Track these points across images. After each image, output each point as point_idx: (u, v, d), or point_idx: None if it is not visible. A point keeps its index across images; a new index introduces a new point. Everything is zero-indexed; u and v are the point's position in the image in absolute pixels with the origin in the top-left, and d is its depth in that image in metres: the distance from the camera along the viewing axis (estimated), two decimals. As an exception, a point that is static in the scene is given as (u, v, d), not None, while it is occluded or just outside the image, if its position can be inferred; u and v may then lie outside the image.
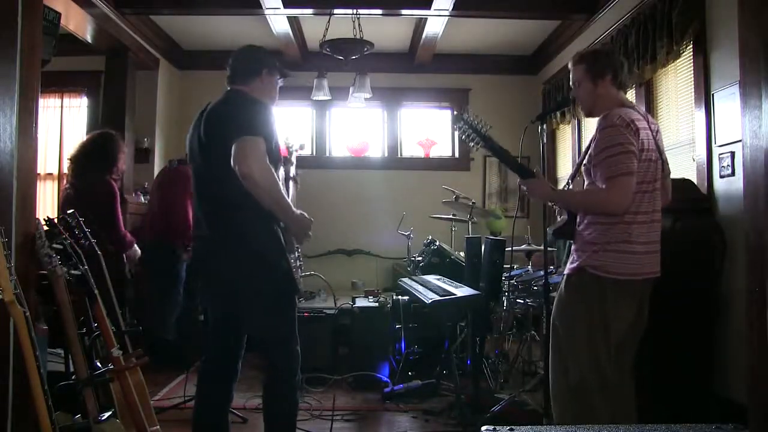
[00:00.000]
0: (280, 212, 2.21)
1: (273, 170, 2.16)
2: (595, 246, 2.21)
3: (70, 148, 5.68)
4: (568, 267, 2.32)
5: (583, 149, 2.51)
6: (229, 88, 2.36)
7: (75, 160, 3.44)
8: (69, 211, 2.64)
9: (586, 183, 2.36)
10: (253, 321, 2.30)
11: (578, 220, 2.32)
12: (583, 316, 2.22)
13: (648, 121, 2.31)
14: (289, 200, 2.62)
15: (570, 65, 2.45)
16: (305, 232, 2.32)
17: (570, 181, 2.60)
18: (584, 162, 2.35)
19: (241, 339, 2.40)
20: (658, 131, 2.36)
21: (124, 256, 3.46)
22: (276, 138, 2.25)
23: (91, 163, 3.37)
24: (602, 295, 2.19)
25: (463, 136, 2.42)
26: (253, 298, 2.24)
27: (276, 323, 2.28)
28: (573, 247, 2.35)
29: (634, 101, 4.13)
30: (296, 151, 2.87)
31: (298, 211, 2.29)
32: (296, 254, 2.41)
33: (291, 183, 2.75)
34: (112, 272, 3.10)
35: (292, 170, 2.81)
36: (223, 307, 2.35)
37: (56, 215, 3.32)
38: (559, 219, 2.52)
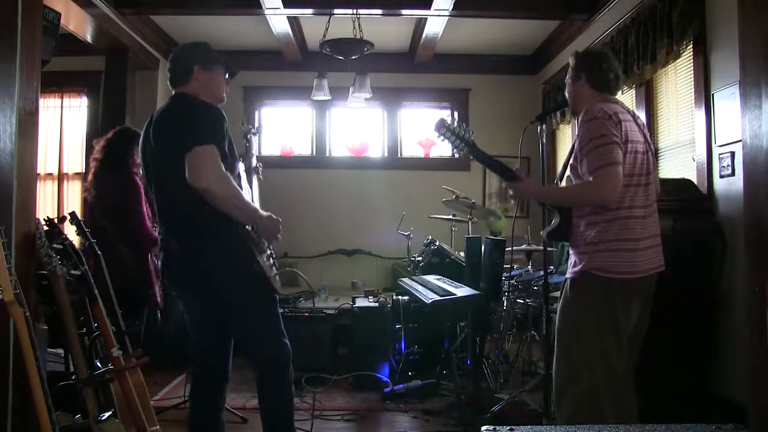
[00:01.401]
0: (245, 218, 2.18)
1: (230, 177, 2.12)
2: (597, 246, 2.19)
3: (70, 148, 5.74)
4: (571, 270, 2.29)
5: (570, 147, 2.50)
6: (173, 93, 2.31)
7: (94, 163, 3.39)
8: (70, 211, 2.64)
9: (573, 181, 2.35)
10: (236, 327, 2.29)
11: (575, 221, 2.30)
12: (593, 320, 2.19)
13: (633, 116, 2.31)
14: (255, 194, 2.59)
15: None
16: (274, 233, 2.28)
17: (559, 181, 2.59)
18: (570, 160, 2.33)
19: (228, 340, 2.39)
20: (644, 125, 2.36)
21: (151, 255, 3.38)
22: (228, 137, 2.20)
23: (107, 164, 3.33)
24: (610, 296, 2.17)
25: (447, 143, 2.37)
26: (231, 307, 2.23)
27: (259, 324, 2.27)
28: (572, 250, 2.33)
29: (634, 101, 4.14)
30: (252, 135, 2.71)
31: (265, 213, 2.25)
32: (268, 253, 2.37)
33: (254, 176, 2.66)
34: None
35: (253, 161, 2.70)
36: (204, 314, 2.33)
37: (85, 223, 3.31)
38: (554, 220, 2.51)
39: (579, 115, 2.36)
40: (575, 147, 2.26)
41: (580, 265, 2.23)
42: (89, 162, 3.43)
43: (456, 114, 6.40)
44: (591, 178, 2.15)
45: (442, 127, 2.35)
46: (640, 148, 2.24)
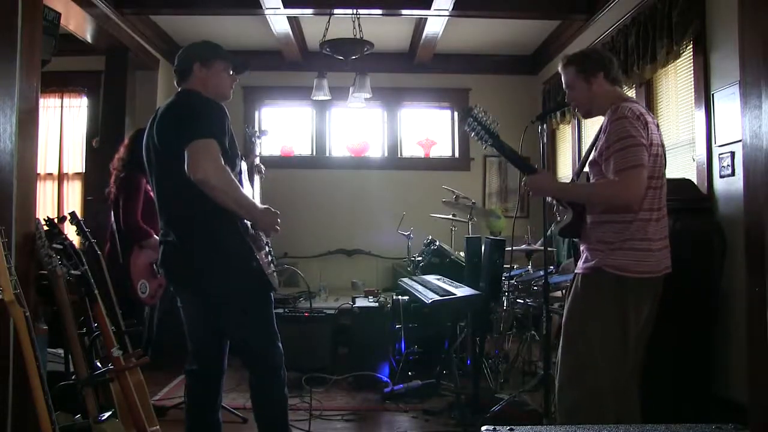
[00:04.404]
0: (242, 212, 2.18)
1: (229, 170, 2.12)
2: (612, 245, 2.18)
3: (70, 148, 5.74)
4: (582, 266, 2.27)
5: (589, 144, 2.47)
6: (179, 90, 2.32)
7: (115, 171, 3.38)
8: (70, 211, 2.64)
9: (591, 177, 2.32)
10: (231, 324, 2.28)
11: (588, 218, 2.29)
12: (602, 317, 2.19)
13: (652, 117, 2.31)
14: (255, 192, 2.59)
15: (559, 68, 2.42)
16: (272, 226, 2.28)
17: (575, 178, 2.57)
18: (592, 157, 2.31)
19: (223, 338, 2.38)
20: (658, 126, 2.35)
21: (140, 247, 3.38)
22: (230, 134, 2.21)
23: (127, 164, 3.33)
24: (622, 294, 2.16)
25: (472, 134, 2.39)
26: (227, 301, 2.22)
27: (253, 323, 2.27)
28: (584, 246, 2.31)
29: (634, 101, 4.14)
30: (257, 138, 2.74)
31: (263, 206, 2.25)
32: (267, 249, 2.37)
33: (255, 175, 2.67)
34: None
35: (256, 160, 2.72)
36: (199, 310, 2.33)
37: (115, 226, 3.30)
38: (558, 217, 2.50)
39: (594, 116, 2.35)
40: (601, 144, 2.23)
41: (593, 262, 2.22)
42: (110, 170, 3.41)
43: (456, 114, 6.40)
44: (616, 179, 2.14)
45: (469, 116, 2.36)
46: (659, 151, 2.23)
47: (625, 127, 2.14)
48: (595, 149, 2.28)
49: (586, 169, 2.37)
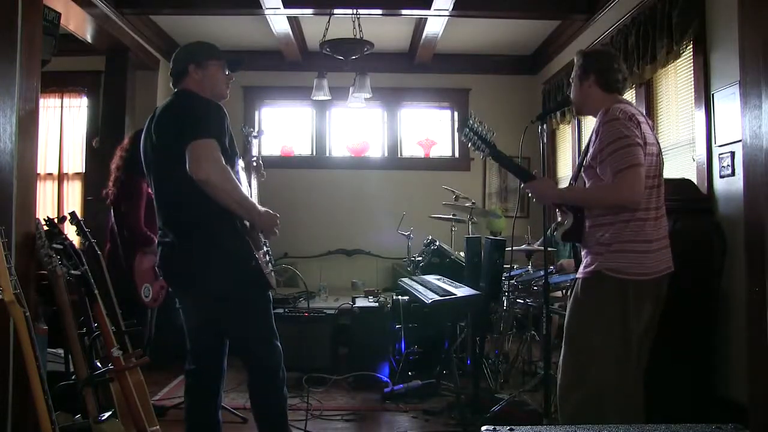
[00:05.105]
0: (243, 212, 2.18)
1: (230, 170, 2.12)
2: (610, 247, 2.18)
3: (70, 148, 5.74)
4: (583, 270, 2.27)
5: (583, 148, 2.49)
6: (175, 90, 2.32)
7: (116, 172, 3.37)
8: (70, 211, 2.64)
9: (587, 182, 2.34)
10: (230, 323, 2.28)
11: (587, 221, 2.29)
12: (603, 321, 2.18)
13: (645, 118, 2.31)
14: (253, 191, 2.59)
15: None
16: (272, 228, 2.29)
17: (573, 183, 2.58)
18: (585, 160, 2.32)
19: (222, 338, 2.38)
20: (652, 127, 2.36)
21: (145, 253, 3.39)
22: (229, 133, 2.21)
23: (127, 169, 3.32)
24: (623, 297, 2.16)
25: (469, 144, 2.42)
26: (226, 301, 2.22)
27: (252, 322, 2.27)
28: (585, 250, 2.31)
29: (634, 101, 4.14)
30: (254, 138, 2.75)
31: (263, 208, 2.26)
32: (265, 249, 2.37)
33: (253, 173, 2.67)
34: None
35: (254, 161, 2.73)
36: (198, 310, 2.32)
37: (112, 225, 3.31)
38: (559, 220, 2.50)
39: (584, 115, 2.35)
40: (594, 147, 2.24)
41: (593, 266, 2.22)
42: (111, 169, 3.40)
43: (456, 114, 6.41)
44: (614, 180, 2.14)
45: (465, 127, 2.39)
46: (654, 150, 2.24)
47: (618, 128, 2.15)
48: (589, 153, 2.29)
49: (582, 174, 2.38)
